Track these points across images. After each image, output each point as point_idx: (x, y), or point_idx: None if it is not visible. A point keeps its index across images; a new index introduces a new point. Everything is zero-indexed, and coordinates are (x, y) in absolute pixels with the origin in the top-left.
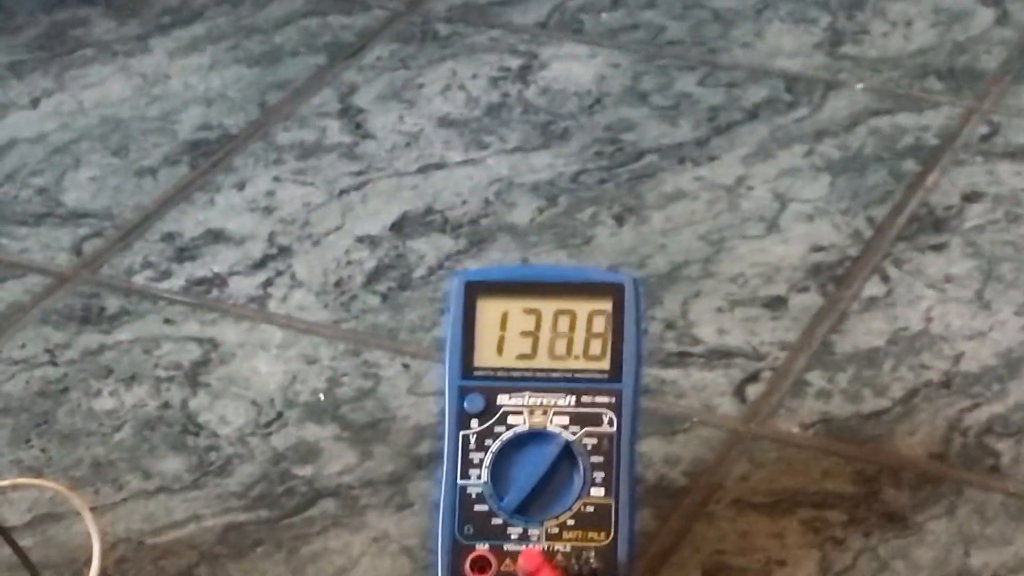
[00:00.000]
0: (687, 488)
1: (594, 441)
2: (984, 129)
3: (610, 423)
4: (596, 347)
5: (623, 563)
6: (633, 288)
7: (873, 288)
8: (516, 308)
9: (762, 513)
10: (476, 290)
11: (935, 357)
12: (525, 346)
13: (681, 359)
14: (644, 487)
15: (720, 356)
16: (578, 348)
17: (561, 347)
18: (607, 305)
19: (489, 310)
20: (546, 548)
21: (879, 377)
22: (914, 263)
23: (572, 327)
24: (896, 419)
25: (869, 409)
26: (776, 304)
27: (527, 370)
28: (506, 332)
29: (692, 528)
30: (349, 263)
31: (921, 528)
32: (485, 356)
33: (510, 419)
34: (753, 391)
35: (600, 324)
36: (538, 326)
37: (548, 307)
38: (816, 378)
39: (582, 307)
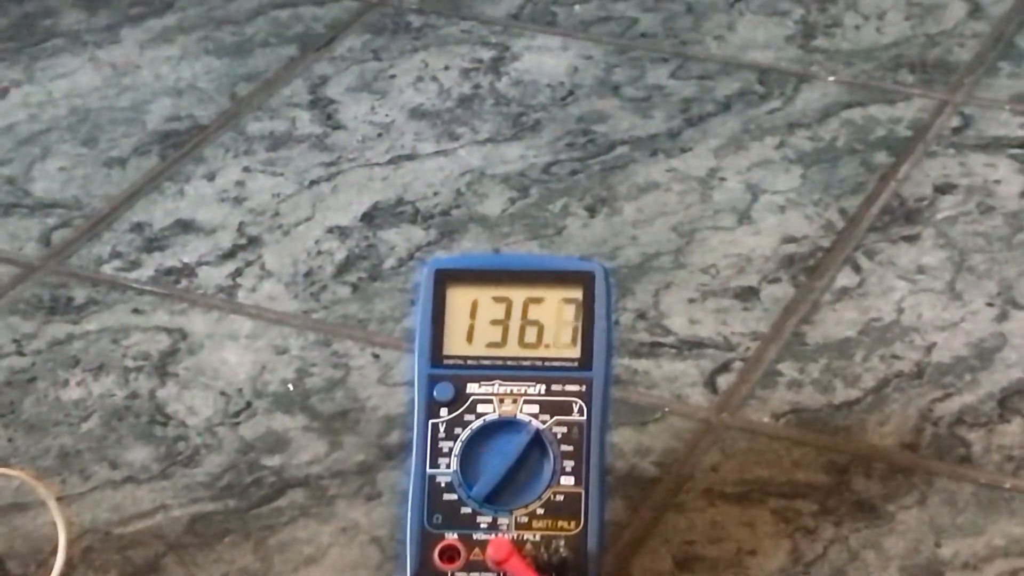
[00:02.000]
0: (658, 478)
1: (564, 430)
2: (956, 121)
3: (580, 412)
4: (566, 335)
5: (593, 552)
6: (603, 276)
7: (845, 279)
8: (486, 296)
9: (733, 503)
10: (446, 278)
11: (907, 348)
12: (495, 334)
13: (652, 349)
14: (615, 477)
15: (691, 346)
16: (548, 336)
17: (531, 335)
18: (577, 293)
19: (459, 298)
20: (515, 537)
21: (850, 367)
22: (886, 254)
23: (542, 315)
24: (867, 409)
25: (840, 399)
26: (748, 295)
27: (497, 358)
28: (476, 320)
29: (663, 518)
30: (319, 254)
31: (892, 518)
32: (455, 344)
33: (480, 408)
34: (724, 381)
35: (570, 312)
36: (508, 314)
37: (518, 295)
38: (787, 368)
39: (552, 295)
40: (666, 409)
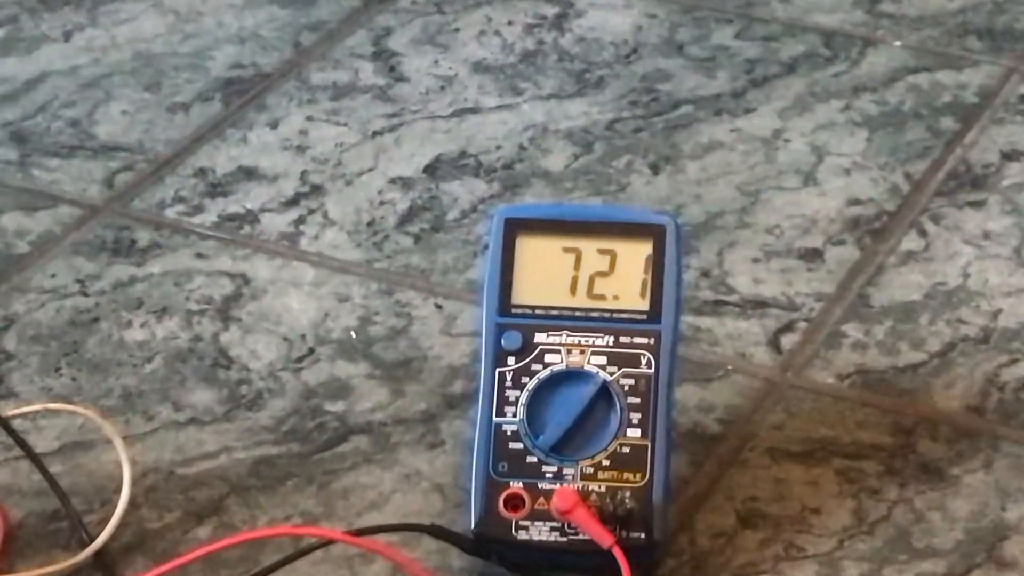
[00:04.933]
0: (721, 435)
1: (631, 382)
2: None
3: (648, 364)
4: (635, 287)
5: (658, 504)
6: (674, 229)
7: (910, 243)
8: (555, 246)
9: (796, 462)
10: (516, 227)
11: (972, 312)
12: (564, 285)
13: (716, 307)
14: (678, 433)
15: (755, 306)
16: (617, 288)
17: (600, 287)
18: (647, 245)
19: (528, 247)
20: (581, 488)
21: (916, 330)
22: (952, 219)
23: (612, 267)
24: (933, 372)
25: (905, 362)
26: (812, 256)
27: (566, 309)
28: (545, 270)
29: (726, 475)
30: (382, 204)
31: (958, 481)
32: (523, 294)
33: (547, 357)
34: (788, 341)
35: (640, 264)
36: (578, 265)
37: (588, 246)
38: (852, 330)
39: (622, 247)
40: (729, 367)
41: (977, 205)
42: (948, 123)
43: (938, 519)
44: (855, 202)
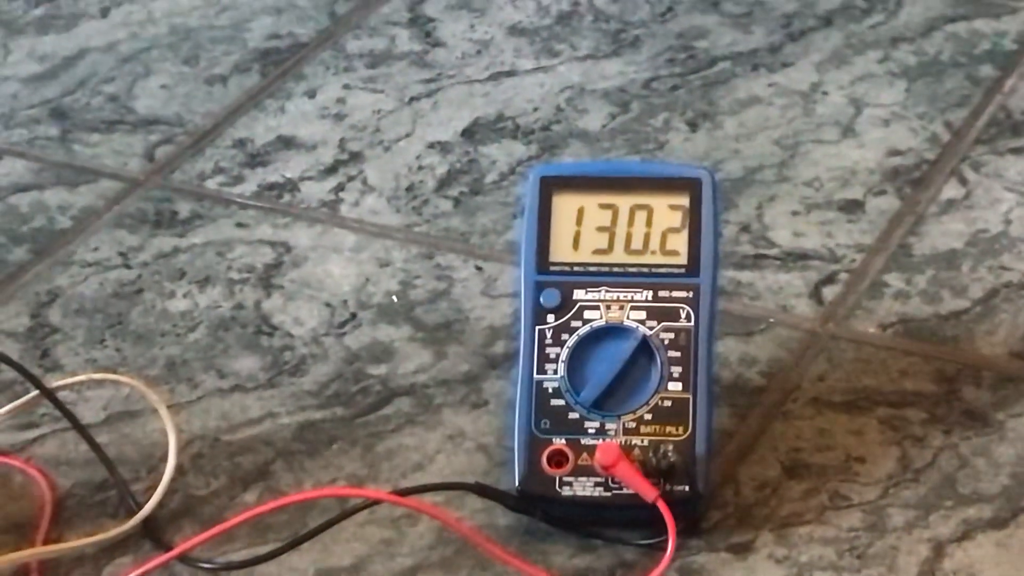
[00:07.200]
0: (764, 387)
1: (671, 336)
2: None
3: (687, 318)
4: (673, 242)
5: (701, 457)
6: (710, 182)
7: (951, 191)
8: (592, 203)
9: (840, 412)
10: (551, 185)
11: (1015, 259)
12: (601, 241)
13: (757, 261)
14: (721, 386)
15: (796, 258)
16: (655, 243)
17: (638, 242)
18: (684, 199)
19: (565, 205)
20: (623, 442)
21: (958, 278)
22: (993, 166)
23: (649, 222)
24: (976, 319)
25: (948, 309)
26: (852, 207)
27: (603, 265)
28: (582, 227)
29: (770, 426)
30: (420, 168)
31: (1002, 426)
32: (561, 251)
33: (587, 314)
34: (830, 292)
35: (677, 218)
36: (614, 221)
37: (624, 202)
38: (894, 279)
39: (659, 201)
40: (771, 320)
41: (1018, 152)
42: (987, 71)
43: (983, 465)
44: (895, 152)
